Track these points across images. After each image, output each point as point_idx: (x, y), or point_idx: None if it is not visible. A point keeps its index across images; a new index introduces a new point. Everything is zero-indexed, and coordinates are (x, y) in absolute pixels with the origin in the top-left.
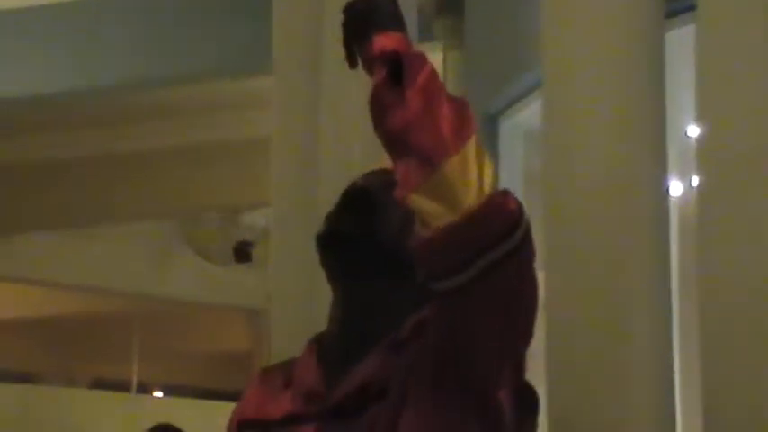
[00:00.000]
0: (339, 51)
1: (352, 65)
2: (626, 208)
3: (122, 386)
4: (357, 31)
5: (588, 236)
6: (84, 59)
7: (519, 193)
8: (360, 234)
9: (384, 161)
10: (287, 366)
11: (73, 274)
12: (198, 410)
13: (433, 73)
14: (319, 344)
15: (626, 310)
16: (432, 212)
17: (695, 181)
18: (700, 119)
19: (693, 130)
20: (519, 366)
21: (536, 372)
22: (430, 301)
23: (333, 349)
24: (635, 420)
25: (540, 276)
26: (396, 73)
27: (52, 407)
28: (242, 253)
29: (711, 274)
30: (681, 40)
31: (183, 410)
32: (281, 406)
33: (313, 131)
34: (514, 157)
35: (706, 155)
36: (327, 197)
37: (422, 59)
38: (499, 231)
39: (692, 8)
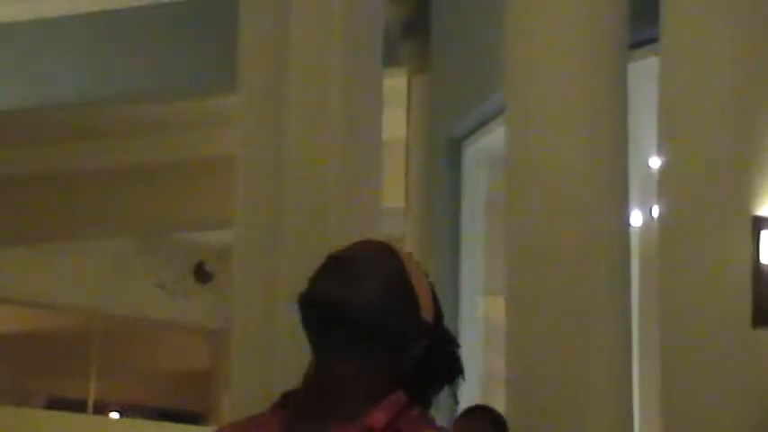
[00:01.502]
0: (304, 72)
1: None
2: (587, 236)
3: (78, 405)
4: None
5: (549, 262)
6: (43, 77)
7: (481, 216)
8: (338, 300)
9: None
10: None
11: (30, 291)
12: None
13: None
14: (285, 407)
15: (587, 336)
16: None
17: (656, 211)
18: (661, 150)
19: (655, 162)
20: None
21: (498, 395)
22: (402, 375)
23: (303, 408)
24: None
25: (500, 302)
26: None
27: (4, 427)
28: (202, 273)
29: (672, 300)
30: (644, 72)
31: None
32: None
33: (278, 152)
34: (477, 181)
35: (667, 185)
36: (291, 219)
37: None
38: None
39: (654, 40)
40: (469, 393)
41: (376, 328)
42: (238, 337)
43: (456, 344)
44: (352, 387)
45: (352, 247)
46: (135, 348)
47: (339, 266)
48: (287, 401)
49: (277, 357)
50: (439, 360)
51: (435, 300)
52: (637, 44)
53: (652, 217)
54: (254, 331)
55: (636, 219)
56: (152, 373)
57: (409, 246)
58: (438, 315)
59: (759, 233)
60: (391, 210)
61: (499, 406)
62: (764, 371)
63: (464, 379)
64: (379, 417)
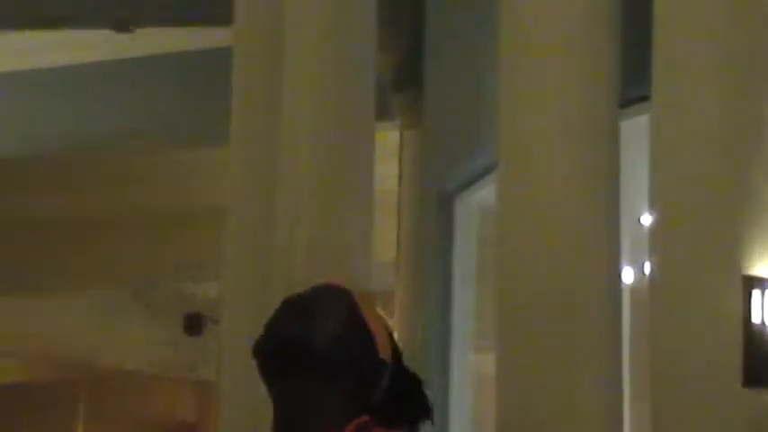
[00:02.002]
0: (295, 125)
1: None
2: (579, 293)
3: None
4: None
5: (540, 318)
6: (37, 125)
7: (472, 271)
8: (294, 339)
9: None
10: None
11: (17, 341)
12: None
13: None
14: None
15: (577, 391)
16: None
17: (647, 267)
18: (652, 208)
19: (646, 219)
20: None
21: None
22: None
23: None
24: None
25: (490, 357)
26: None
27: None
28: (192, 324)
29: (663, 357)
30: (635, 130)
31: None
32: None
33: (267, 204)
34: (469, 236)
35: (658, 243)
36: (281, 271)
37: None
38: None
39: (646, 98)
40: None
41: (334, 366)
42: (226, 390)
43: (418, 381)
44: (312, 415)
45: (306, 291)
46: (123, 399)
47: (294, 308)
48: None
49: (264, 411)
50: (401, 397)
51: (392, 339)
52: (628, 102)
53: (644, 274)
54: (242, 384)
55: (627, 276)
56: (140, 425)
57: (400, 299)
58: (396, 354)
59: (750, 292)
60: (382, 263)
61: None
62: (755, 429)
63: (431, 419)
64: None
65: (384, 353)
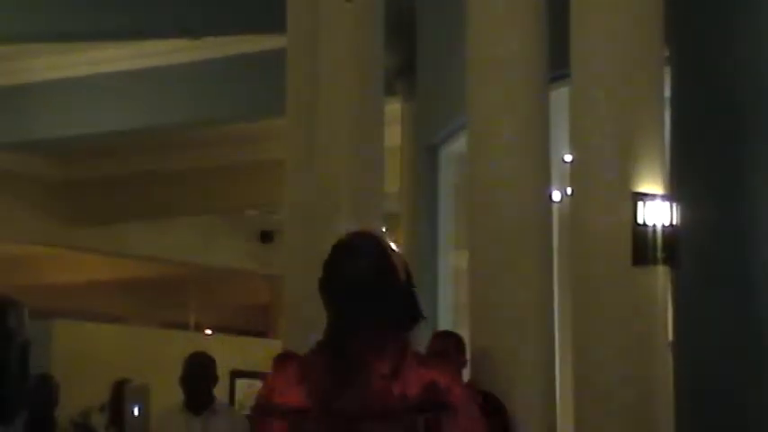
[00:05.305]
0: (330, 101)
1: None
2: (522, 208)
3: (182, 326)
4: None
5: (496, 225)
6: (163, 107)
7: (451, 198)
8: (351, 279)
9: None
10: (298, 362)
11: (151, 250)
12: (233, 343)
13: None
14: (323, 350)
15: (523, 272)
16: None
17: (569, 191)
18: (572, 150)
19: (568, 157)
20: None
21: (464, 320)
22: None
23: (337, 352)
24: (521, 388)
25: (464, 255)
26: None
27: (136, 339)
28: (265, 237)
29: (580, 248)
30: (560, 97)
31: (224, 343)
32: (294, 398)
33: (312, 157)
34: (449, 174)
35: (576, 173)
36: (321, 202)
37: None
38: None
39: (567, 75)
40: (445, 319)
41: (376, 291)
42: (289, 282)
43: (418, 298)
44: (367, 332)
45: (350, 238)
46: (219, 288)
47: (343, 251)
48: (324, 348)
49: (316, 294)
50: (410, 305)
51: (406, 265)
52: (555, 78)
53: (567, 195)
54: (299, 278)
55: (556, 196)
56: (231, 305)
57: (404, 216)
58: (409, 277)
59: (636, 203)
60: (392, 193)
61: (465, 328)
62: (639, 292)
63: (425, 317)
64: (388, 362)
65: (402, 276)
